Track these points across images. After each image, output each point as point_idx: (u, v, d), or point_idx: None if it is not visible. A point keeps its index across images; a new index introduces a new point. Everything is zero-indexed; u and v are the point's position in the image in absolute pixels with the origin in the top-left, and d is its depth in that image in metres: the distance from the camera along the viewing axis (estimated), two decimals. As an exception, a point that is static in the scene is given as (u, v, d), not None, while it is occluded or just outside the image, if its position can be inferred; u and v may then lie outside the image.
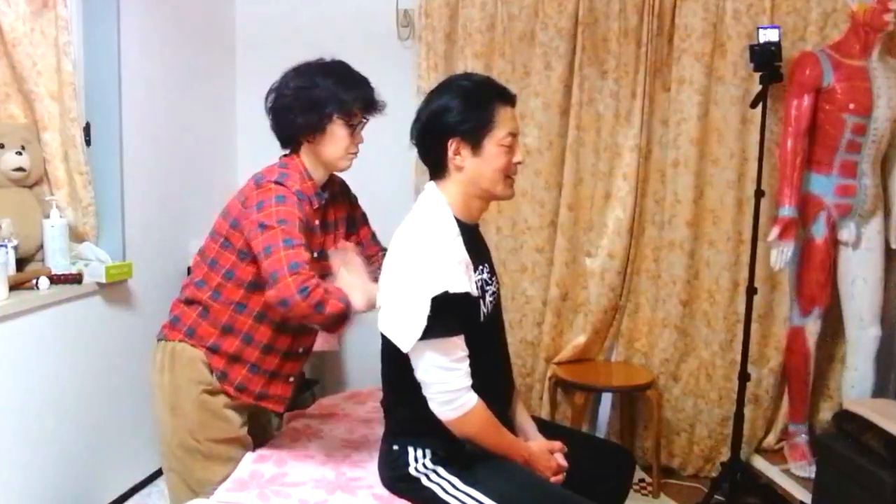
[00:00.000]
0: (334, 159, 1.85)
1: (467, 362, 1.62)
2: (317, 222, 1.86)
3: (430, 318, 1.54)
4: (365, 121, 1.87)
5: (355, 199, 2.07)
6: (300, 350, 1.94)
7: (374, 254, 2.03)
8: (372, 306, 1.70)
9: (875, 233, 2.71)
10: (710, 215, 2.95)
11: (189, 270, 2.96)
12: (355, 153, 1.88)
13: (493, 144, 1.65)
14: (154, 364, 1.90)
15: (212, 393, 1.84)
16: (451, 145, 1.65)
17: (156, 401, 1.89)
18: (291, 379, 1.95)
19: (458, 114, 1.63)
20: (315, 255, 1.80)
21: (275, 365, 1.88)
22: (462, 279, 1.58)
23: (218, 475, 1.80)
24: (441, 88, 1.72)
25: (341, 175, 1.99)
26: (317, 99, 1.79)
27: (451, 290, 1.55)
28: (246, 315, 1.82)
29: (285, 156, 1.90)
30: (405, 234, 1.68)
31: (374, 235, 2.09)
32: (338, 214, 1.98)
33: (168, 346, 1.86)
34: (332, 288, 1.67)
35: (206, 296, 1.83)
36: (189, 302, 1.87)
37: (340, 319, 1.67)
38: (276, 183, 1.75)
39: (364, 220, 2.08)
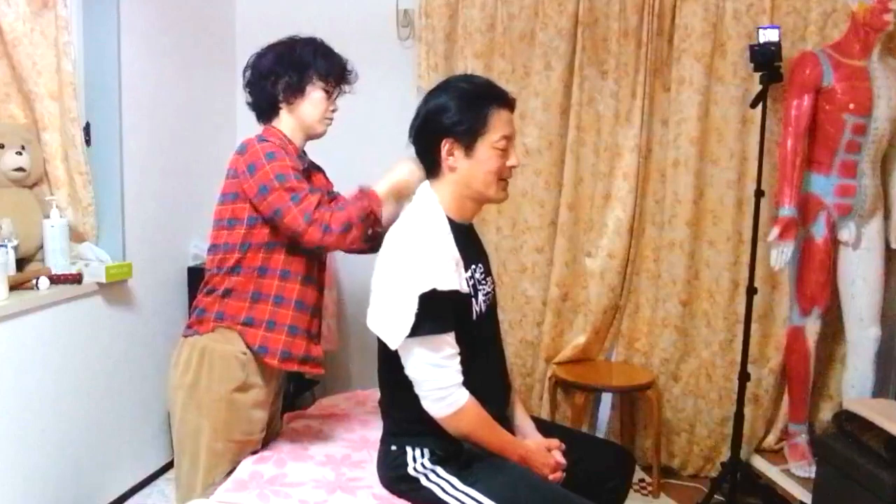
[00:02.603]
0: (312, 122, 1.93)
1: (458, 359, 1.62)
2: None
3: (417, 315, 1.55)
4: (339, 90, 1.97)
5: (328, 178, 2.12)
6: (320, 307, 1.98)
7: None
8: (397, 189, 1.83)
9: (875, 233, 2.71)
10: (710, 215, 2.95)
11: (189, 271, 2.99)
12: (331, 119, 1.97)
13: (486, 147, 1.65)
14: (178, 363, 1.88)
15: (242, 390, 1.83)
16: (445, 145, 1.66)
17: (178, 401, 1.87)
18: (318, 338, 1.98)
19: (454, 115, 1.64)
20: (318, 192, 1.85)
21: (307, 323, 1.90)
22: (451, 276, 1.59)
23: (218, 477, 1.80)
24: (440, 88, 1.73)
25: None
26: (298, 62, 1.89)
27: (440, 288, 1.56)
28: (270, 277, 1.85)
29: (263, 130, 1.96)
30: (396, 231, 1.69)
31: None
32: (319, 184, 2.00)
33: (198, 343, 1.85)
34: (343, 201, 1.80)
35: (227, 276, 1.85)
36: (210, 291, 1.88)
37: (372, 217, 1.79)
38: (261, 141, 1.83)
39: (335, 195, 2.10)
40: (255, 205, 1.80)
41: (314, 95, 1.91)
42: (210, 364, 1.83)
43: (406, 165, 1.85)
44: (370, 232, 1.86)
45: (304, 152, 1.98)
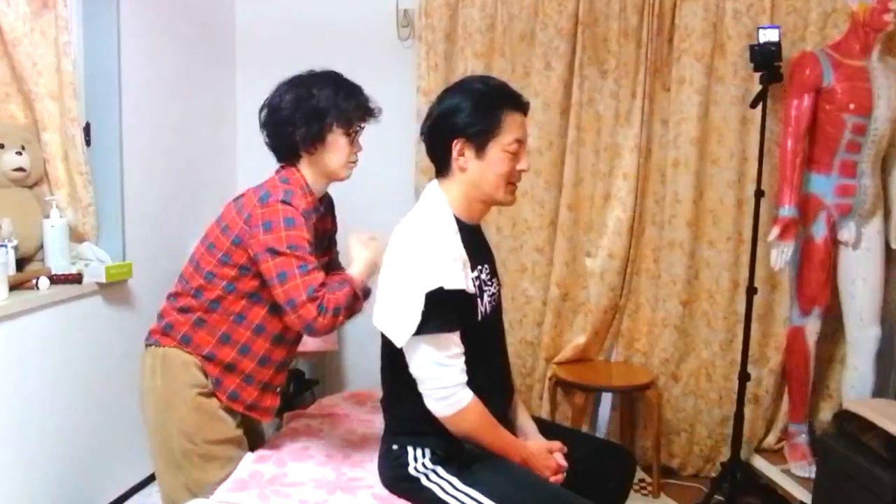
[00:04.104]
0: (336, 168, 1.86)
1: (462, 359, 1.62)
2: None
3: (424, 314, 1.55)
4: (361, 128, 1.89)
5: (335, 216, 2.07)
6: (290, 361, 1.96)
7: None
8: (372, 268, 1.83)
9: (875, 233, 2.71)
10: (710, 215, 2.95)
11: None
12: (355, 162, 1.89)
13: (497, 149, 1.65)
14: (144, 370, 1.88)
15: (206, 395, 1.83)
16: (456, 146, 1.65)
17: (148, 406, 1.88)
18: (279, 390, 1.96)
19: (467, 116, 1.64)
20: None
21: (268, 377, 1.89)
22: (458, 276, 1.59)
23: (215, 476, 1.80)
24: (455, 88, 1.72)
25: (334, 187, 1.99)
26: (316, 109, 1.79)
27: (446, 286, 1.56)
28: (244, 327, 1.82)
29: (283, 167, 1.88)
30: (404, 229, 1.69)
31: (337, 255, 2.08)
32: (324, 230, 1.97)
33: (159, 351, 1.85)
34: (333, 283, 1.74)
35: (204, 306, 1.82)
36: (183, 310, 1.85)
37: (355, 299, 1.75)
38: (283, 202, 1.73)
39: (335, 240, 2.07)
40: (256, 260, 1.74)
41: (337, 142, 1.82)
42: (174, 369, 1.83)
43: (364, 252, 1.85)
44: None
45: (318, 203, 1.90)
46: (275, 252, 1.69)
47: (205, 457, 1.83)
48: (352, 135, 1.85)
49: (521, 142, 1.68)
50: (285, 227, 1.70)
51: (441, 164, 1.71)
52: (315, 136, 1.80)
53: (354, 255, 1.87)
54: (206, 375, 1.83)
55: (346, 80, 1.88)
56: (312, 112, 1.79)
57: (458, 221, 1.68)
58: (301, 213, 1.74)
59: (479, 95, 1.66)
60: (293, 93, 1.82)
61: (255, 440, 2.00)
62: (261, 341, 1.83)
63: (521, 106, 1.69)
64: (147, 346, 1.89)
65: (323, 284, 1.70)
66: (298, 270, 1.67)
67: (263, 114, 1.87)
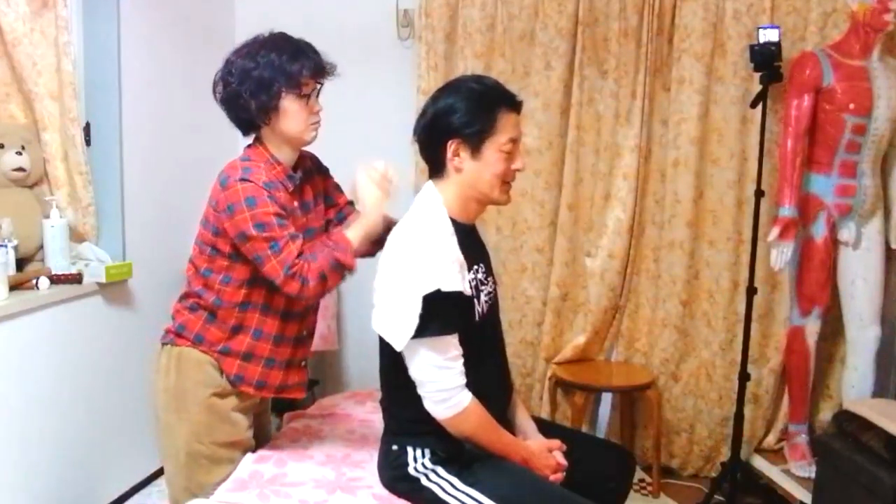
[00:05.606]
0: (297, 134, 1.80)
1: (461, 361, 1.62)
2: (295, 204, 1.84)
3: (422, 317, 1.55)
4: (319, 86, 1.83)
5: (327, 170, 2.03)
6: (305, 333, 1.94)
7: (350, 214, 1.98)
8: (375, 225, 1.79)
9: (875, 233, 2.71)
10: (710, 215, 2.95)
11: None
12: (317, 123, 1.83)
13: (493, 149, 1.65)
14: (158, 368, 1.88)
15: (220, 396, 1.82)
16: (451, 146, 1.65)
17: (160, 404, 1.87)
18: (304, 363, 1.96)
19: (462, 116, 1.63)
20: (301, 236, 1.80)
21: (288, 354, 1.88)
22: (455, 278, 1.59)
23: (216, 478, 1.80)
24: (449, 88, 1.72)
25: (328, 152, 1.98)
26: (261, 78, 1.73)
27: (444, 289, 1.56)
28: (252, 311, 1.82)
29: (248, 146, 1.86)
30: (400, 232, 1.68)
31: (351, 202, 2.03)
32: (315, 190, 1.95)
33: (174, 350, 1.85)
34: (315, 249, 1.73)
35: (209, 303, 1.82)
36: (193, 309, 1.85)
37: (345, 268, 1.71)
38: (242, 181, 1.71)
39: (338, 188, 2.04)
40: (237, 244, 1.74)
41: (290, 108, 1.76)
42: (188, 369, 1.82)
43: (374, 191, 1.79)
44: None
45: (292, 172, 1.85)
46: (244, 237, 1.69)
47: (211, 458, 1.83)
48: (306, 97, 1.78)
49: (515, 141, 1.68)
50: (248, 208, 1.68)
51: (435, 165, 1.71)
52: (266, 106, 1.74)
53: (363, 195, 1.80)
54: (223, 374, 1.82)
55: (293, 40, 1.80)
56: (259, 83, 1.73)
57: (454, 222, 1.67)
58: (264, 186, 1.71)
59: (474, 95, 1.65)
60: (239, 65, 1.77)
61: (263, 440, 2.00)
62: (270, 320, 1.83)
63: (515, 105, 1.69)
64: (163, 344, 1.89)
65: (300, 254, 1.69)
66: (271, 251, 1.67)
67: (216, 90, 1.82)
